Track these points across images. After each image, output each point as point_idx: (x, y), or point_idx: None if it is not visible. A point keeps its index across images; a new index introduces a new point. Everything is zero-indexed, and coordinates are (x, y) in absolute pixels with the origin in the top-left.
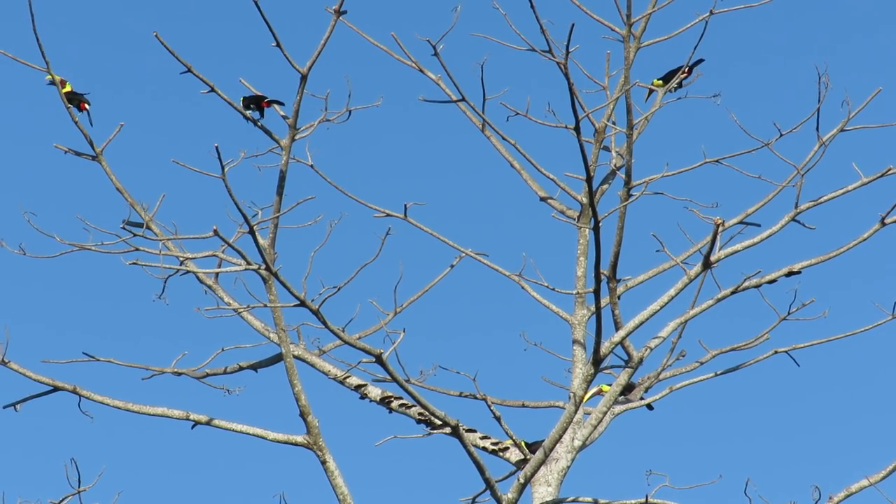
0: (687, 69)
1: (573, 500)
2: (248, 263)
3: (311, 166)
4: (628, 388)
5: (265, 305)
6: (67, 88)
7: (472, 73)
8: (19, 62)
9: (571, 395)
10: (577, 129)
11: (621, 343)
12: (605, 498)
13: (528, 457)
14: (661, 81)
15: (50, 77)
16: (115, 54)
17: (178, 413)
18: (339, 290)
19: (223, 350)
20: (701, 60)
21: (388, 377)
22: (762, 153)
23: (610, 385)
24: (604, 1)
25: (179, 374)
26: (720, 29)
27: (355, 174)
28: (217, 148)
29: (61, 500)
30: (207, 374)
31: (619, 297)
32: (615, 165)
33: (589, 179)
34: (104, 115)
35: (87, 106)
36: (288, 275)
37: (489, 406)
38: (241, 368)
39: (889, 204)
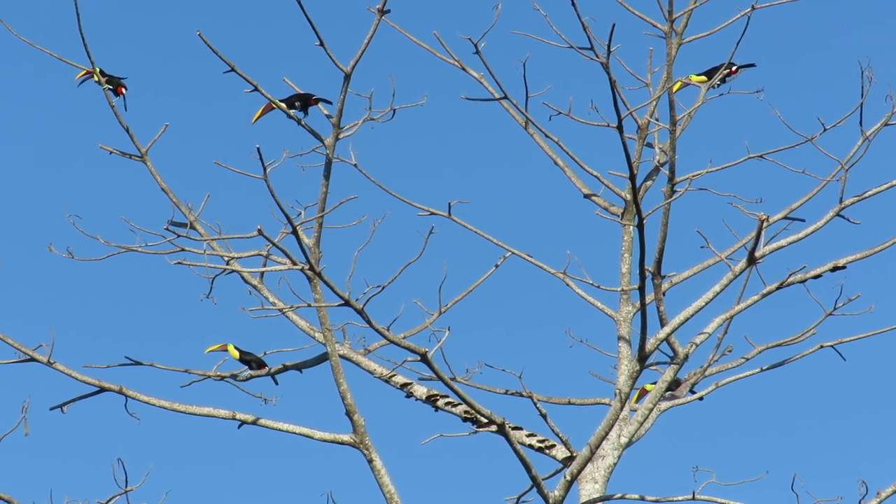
0: (735, 69)
1: (620, 498)
2: (293, 263)
3: (355, 165)
4: (674, 385)
5: (309, 305)
6: (97, 69)
7: (514, 71)
8: (66, 63)
9: (617, 391)
10: (619, 126)
11: (667, 339)
12: (652, 495)
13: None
14: (702, 77)
15: (84, 73)
16: (158, 54)
17: (224, 413)
18: (382, 289)
19: (266, 353)
20: (752, 65)
21: (434, 376)
22: (806, 148)
23: (653, 384)
24: None
25: (221, 377)
26: (761, 22)
27: (399, 173)
28: (258, 149)
29: (108, 500)
30: (252, 376)
31: (664, 294)
32: (659, 162)
33: (632, 176)
34: (148, 116)
35: (123, 91)
36: (332, 274)
37: (535, 403)
38: (286, 368)
39: None
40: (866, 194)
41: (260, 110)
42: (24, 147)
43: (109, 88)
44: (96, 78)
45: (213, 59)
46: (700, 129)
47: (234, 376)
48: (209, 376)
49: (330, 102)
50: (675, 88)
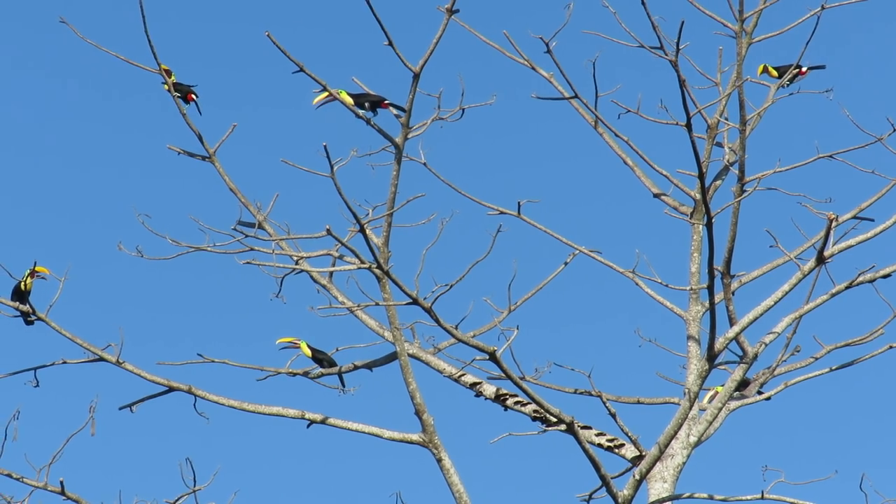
0: (804, 70)
1: (688, 497)
2: (362, 262)
3: (424, 164)
4: (743, 384)
5: (378, 304)
6: (172, 79)
7: (584, 70)
8: (132, 64)
9: (686, 391)
10: (688, 125)
11: (736, 339)
12: (721, 494)
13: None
14: (775, 71)
15: (167, 86)
16: (225, 56)
17: (293, 412)
18: (450, 287)
19: (337, 350)
20: (822, 66)
21: (503, 375)
22: (875, 148)
23: (723, 386)
24: None
25: (294, 374)
26: (831, 20)
27: (467, 172)
28: (325, 147)
29: (177, 500)
30: (322, 374)
31: (733, 293)
32: (728, 161)
33: (702, 176)
34: (216, 118)
35: (194, 97)
36: (401, 273)
37: (604, 403)
38: (355, 367)
39: None
40: None
41: (323, 95)
42: (95, 148)
43: (178, 96)
44: (167, 87)
45: (281, 59)
46: (769, 128)
47: (305, 374)
48: (281, 372)
49: (404, 110)
50: (759, 72)
